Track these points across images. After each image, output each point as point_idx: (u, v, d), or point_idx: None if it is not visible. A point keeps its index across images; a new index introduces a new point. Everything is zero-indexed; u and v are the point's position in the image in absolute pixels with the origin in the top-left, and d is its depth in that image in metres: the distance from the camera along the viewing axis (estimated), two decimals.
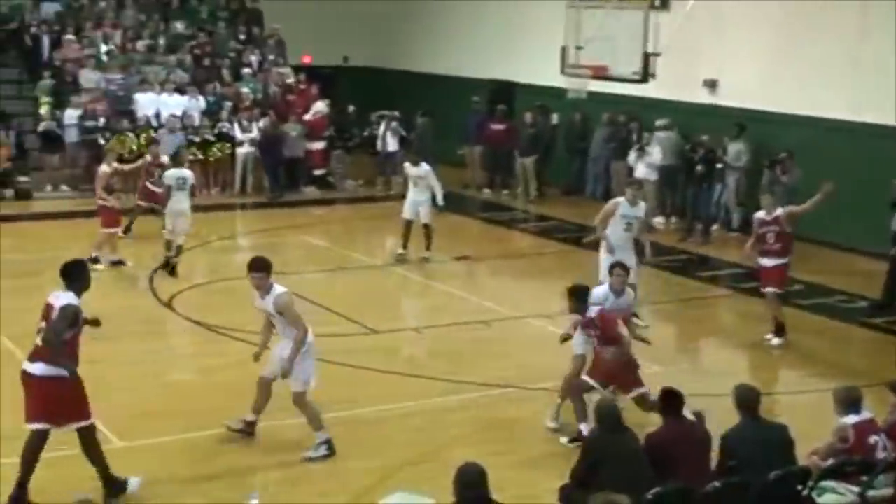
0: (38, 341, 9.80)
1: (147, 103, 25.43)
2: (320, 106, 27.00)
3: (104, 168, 18.90)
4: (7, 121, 24.78)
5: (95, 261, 18.19)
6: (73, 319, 9.72)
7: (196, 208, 22.68)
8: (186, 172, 18.58)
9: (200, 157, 24.73)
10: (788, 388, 13.89)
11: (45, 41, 26.66)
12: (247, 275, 11.14)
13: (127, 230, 19.77)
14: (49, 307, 9.88)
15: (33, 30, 26.84)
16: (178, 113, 25.23)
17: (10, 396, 10.48)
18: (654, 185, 22.65)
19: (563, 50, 19.23)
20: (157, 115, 25.07)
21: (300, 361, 10.98)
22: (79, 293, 9.95)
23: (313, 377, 11.18)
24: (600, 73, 19.00)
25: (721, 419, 9.44)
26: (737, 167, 22.05)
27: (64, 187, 24.64)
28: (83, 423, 9.88)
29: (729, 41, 22.70)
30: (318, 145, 26.60)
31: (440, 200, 19.46)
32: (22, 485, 9.76)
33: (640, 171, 22.58)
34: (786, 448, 9.10)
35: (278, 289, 11.10)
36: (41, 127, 24.87)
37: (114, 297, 17.51)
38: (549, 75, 22.61)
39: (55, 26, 27.05)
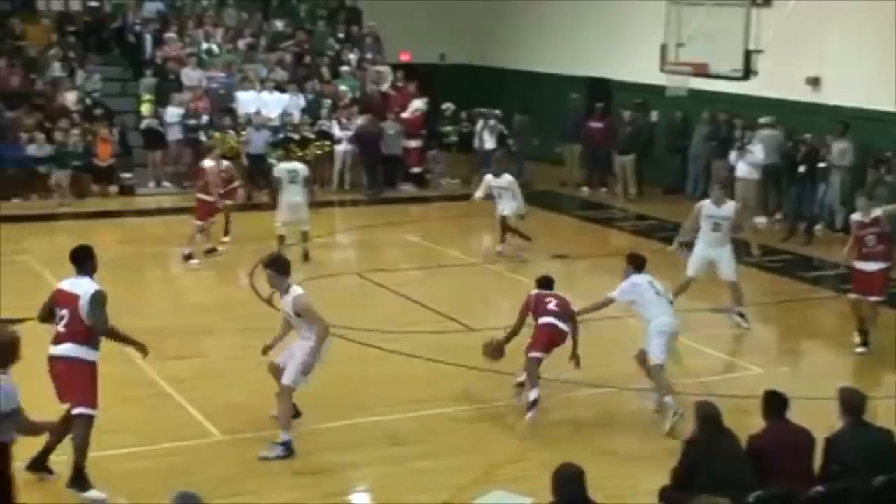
0: (61, 328, 10.03)
1: (248, 101, 25.75)
2: (418, 104, 27.11)
3: (208, 163, 19.23)
4: (111, 118, 25.22)
5: (189, 257, 18.51)
6: (105, 302, 10.00)
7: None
8: (298, 165, 19.10)
9: (300, 154, 25.00)
10: (893, 393, 13.60)
11: (148, 40, 27.10)
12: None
13: (226, 232, 20.00)
14: (65, 294, 10.08)
15: (136, 28, 27.29)
16: (279, 111, 25.51)
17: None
18: (757, 184, 22.36)
19: (663, 47, 19.08)
20: (258, 113, 25.32)
21: (310, 358, 11.03)
22: (93, 275, 10.19)
23: (307, 379, 11.18)
24: (701, 71, 18.83)
25: (825, 423, 9.26)
26: (841, 166, 21.66)
27: (166, 184, 25.06)
28: (91, 412, 9.98)
29: (833, 37, 22.27)
30: (416, 143, 26.69)
31: (521, 210, 19.83)
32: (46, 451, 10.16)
33: (742, 169, 22.34)
34: (891, 454, 8.90)
35: (296, 289, 11.22)
36: (143, 124, 25.29)
37: (215, 292, 17.83)
38: (647, 73, 22.46)
39: (157, 25, 27.47)
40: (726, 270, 15.98)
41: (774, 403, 9.03)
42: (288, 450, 10.98)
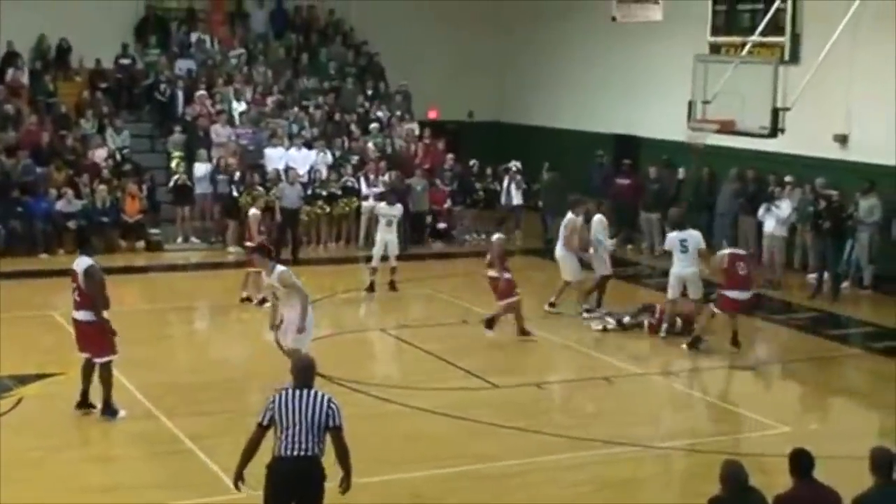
0: (77, 297, 13.26)
1: (276, 158, 25.90)
2: (447, 159, 27.15)
3: (253, 212, 19.85)
4: (140, 174, 25.40)
5: (262, 301, 18.78)
6: (100, 274, 13.21)
7: (320, 261, 23.12)
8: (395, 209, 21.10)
9: (327, 210, 25.09)
10: None
11: (179, 97, 27.35)
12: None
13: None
14: (74, 274, 13.22)
15: (163, 86, 27.52)
16: (306, 167, 25.66)
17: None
18: (784, 240, 22.29)
19: (691, 104, 19.07)
20: (287, 170, 25.44)
21: (300, 322, 13.64)
22: (91, 255, 13.36)
23: (304, 339, 13.69)
24: (727, 128, 18.78)
25: (852, 482, 9.13)
26: (869, 223, 21.53)
27: (194, 239, 25.16)
28: (110, 357, 13.25)
29: (860, 95, 22.27)
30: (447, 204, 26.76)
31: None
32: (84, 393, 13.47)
33: (769, 225, 22.25)
34: None
35: (279, 268, 13.91)
36: (173, 180, 25.43)
37: (239, 347, 17.83)
38: (674, 130, 22.46)
39: (187, 82, 27.73)
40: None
41: (801, 462, 8.90)
42: None
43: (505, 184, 26.91)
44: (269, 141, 26.43)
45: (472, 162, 27.66)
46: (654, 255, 25.43)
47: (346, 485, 9.06)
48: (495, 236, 18.81)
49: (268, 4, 30.41)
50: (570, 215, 19.60)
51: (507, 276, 17.86)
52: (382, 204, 21.78)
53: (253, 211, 20.11)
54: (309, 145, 26.56)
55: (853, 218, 21.51)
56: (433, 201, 26.70)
